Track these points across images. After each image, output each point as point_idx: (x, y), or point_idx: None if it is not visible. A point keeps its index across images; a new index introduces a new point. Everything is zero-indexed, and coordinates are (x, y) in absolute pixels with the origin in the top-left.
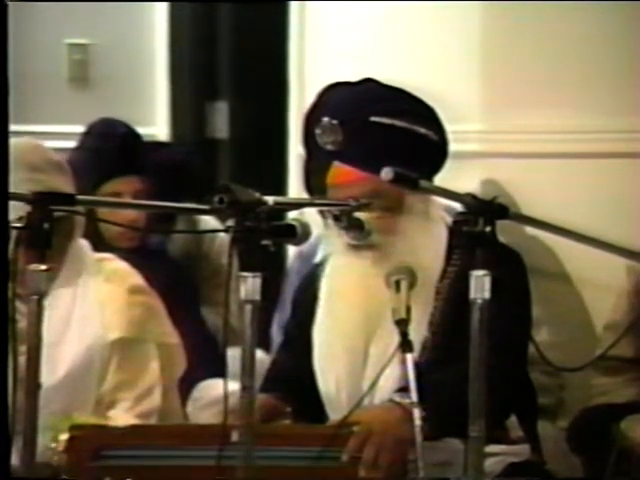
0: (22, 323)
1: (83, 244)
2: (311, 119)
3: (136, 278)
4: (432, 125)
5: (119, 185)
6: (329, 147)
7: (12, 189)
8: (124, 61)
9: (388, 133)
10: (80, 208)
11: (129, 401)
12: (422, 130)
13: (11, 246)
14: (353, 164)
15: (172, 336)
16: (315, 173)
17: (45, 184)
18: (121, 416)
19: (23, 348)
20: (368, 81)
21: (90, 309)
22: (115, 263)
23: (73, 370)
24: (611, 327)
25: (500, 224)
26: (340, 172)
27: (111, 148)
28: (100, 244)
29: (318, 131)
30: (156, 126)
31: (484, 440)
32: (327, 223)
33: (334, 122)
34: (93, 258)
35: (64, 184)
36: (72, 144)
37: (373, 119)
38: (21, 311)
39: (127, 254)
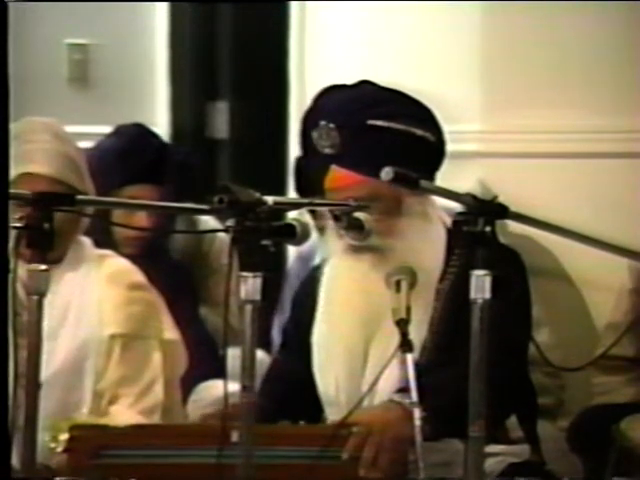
0: (25, 317)
1: (84, 240)
2: (308, 123)
3: (137, 275)
4: (429, 126)
5: (138, 191)
6: (327, 151)
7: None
8: (124, 61)
9: (385, 136)
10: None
11: (131, 397)
12: (419, 132)
13: (11, 245)
14: (351, 167)
15: (173, 333)
16: (313, 176)
17: (64, 153)
18: (123, 412)
19: (24, 342)
20: (364, 83)
21: (88, 304)
22: (116, 260)
23: (67, 365)
24: (612, 327)
25: (500, 224)
26: (338, 176)
27: (142, 157)
28: (110, 248)
29: (315, 135)
30: (156, 126)
31: (484, 440)
32: (322, 225)
33: (331, 126)
34: (94, 254)
35: (79, 159)
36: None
37: (370, 122)
38: (24, 305)
39: (129, 256)
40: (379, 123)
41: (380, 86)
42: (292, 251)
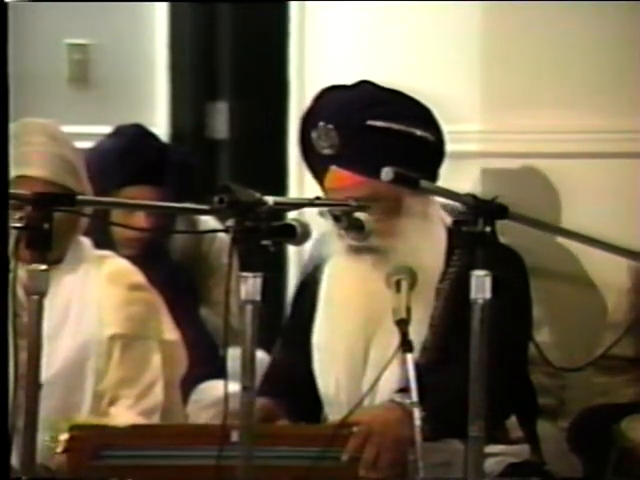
0: (24, 318)
1: (84, 241)
2: (307, 123)
3: (137, 275)
4: (429, 126)
5: (137, 192)
6: (326, 151)
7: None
8: (124, 61)
9: (385, 136)
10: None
11: (131, 398)
12: (419, 132)
13: (11, 245)
14: (350, 168)
15: (173, 333)
16: (312, 177)
17: (60, 154)
18: (123, 413)
19: (24, 343)
20: (363, 84)
21: (88, 305)
22: (116, 260)
23: (67, 365)
24: (612, 326)
25: (501, 224)
26: (337, 176)
27: (142, 158)
28: (109, 248)
29: (314, 135)
30: (156, 126)
31: (484, 440)
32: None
33: (330, 126)
34: (94, 255)
35: (76, 160)
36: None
37: (369, 123)
38: (24, 306)
39: (129, 256)
40: (378, 123)
41: (379, 86)
42: (292, 251)
